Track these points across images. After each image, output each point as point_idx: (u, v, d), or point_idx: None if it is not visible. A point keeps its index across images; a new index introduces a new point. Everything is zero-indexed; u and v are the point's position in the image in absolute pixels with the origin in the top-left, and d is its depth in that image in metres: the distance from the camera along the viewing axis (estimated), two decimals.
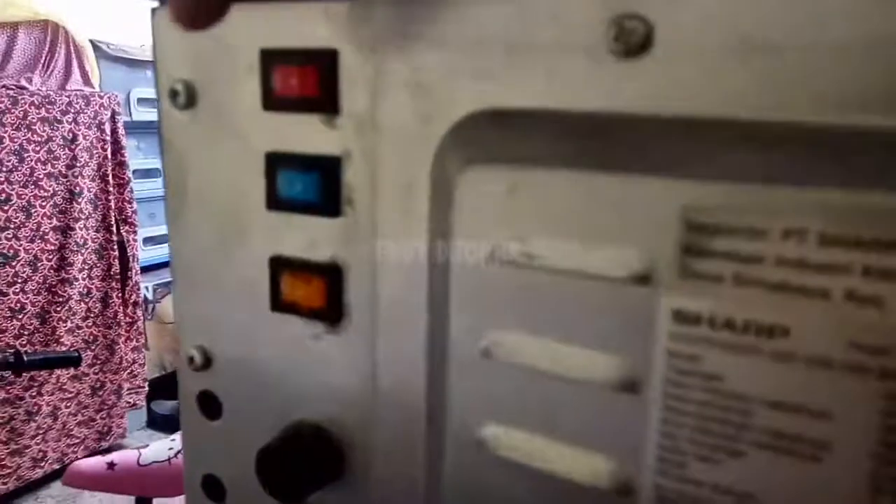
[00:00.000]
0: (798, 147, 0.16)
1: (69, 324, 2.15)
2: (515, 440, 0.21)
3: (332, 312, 0.25)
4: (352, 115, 0.23)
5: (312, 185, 0.25)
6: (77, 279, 2.16)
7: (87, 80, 2.26)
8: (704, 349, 0.17)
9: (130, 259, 2.25)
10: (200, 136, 0.27)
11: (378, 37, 0.22)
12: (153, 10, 0.27)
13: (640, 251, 0.17)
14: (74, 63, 2.24)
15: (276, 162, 0.25)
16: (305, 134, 0.24)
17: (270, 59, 0.24)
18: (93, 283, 2.15)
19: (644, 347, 0.18)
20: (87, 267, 2.21)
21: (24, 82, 2.14)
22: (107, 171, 2.13)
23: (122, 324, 2.18)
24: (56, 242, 2.12)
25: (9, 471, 1.96)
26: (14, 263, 2.01)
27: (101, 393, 2.19)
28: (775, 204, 0.16)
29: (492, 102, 0.20)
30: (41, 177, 2.12)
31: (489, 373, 0.21)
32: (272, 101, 0.25)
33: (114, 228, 2.16)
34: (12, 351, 1.32)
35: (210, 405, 0.30)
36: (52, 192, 2.12)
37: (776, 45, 0.16)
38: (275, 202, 0.26)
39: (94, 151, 2.13)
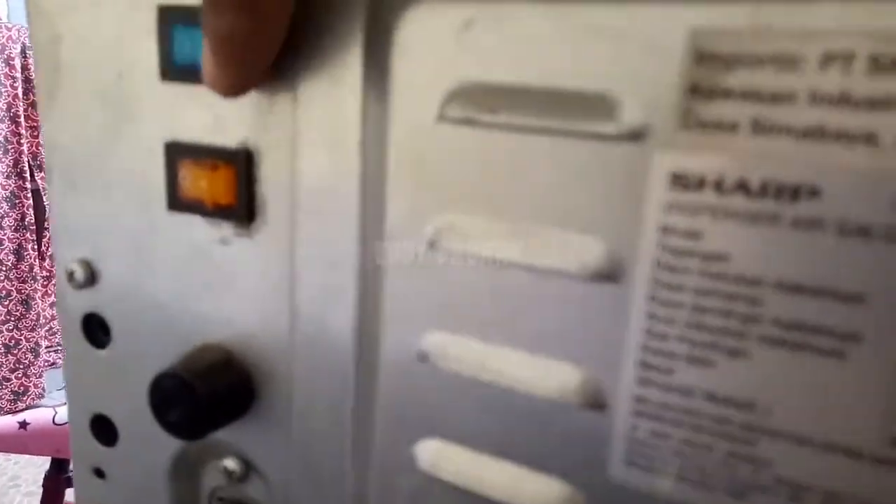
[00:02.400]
0: None
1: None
2: (464, 349, 0.17)
3: (242, 209, 0.21)
4: None
5: None
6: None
7: None
8: (708, 222, 0.13)
9: (47, 208, 2.10)
10: None
11: None
12: None
13: (635, 97, 0.14)
14: None
15: (170, 17, 0.20)
16: None
17: None
18: (4, 234, 2.00)
19: (630, 224, 0.14)
20: None
21: None
22: (18, 111, 1.96)
23: (39, 278, 2.05)
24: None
25: None
26: None
27: (16, 351, 2.06)
28: (814, 21, 0.12)
29: None
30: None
31: (434, 271, 0.17)
32: None
33: (27, 175, 2.01)
34: None
35: (96, 331, 0.25)
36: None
37: None
38: (171, 70, 0.20)
39: (2, 90, 1.96)
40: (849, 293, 0.12)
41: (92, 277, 0.24)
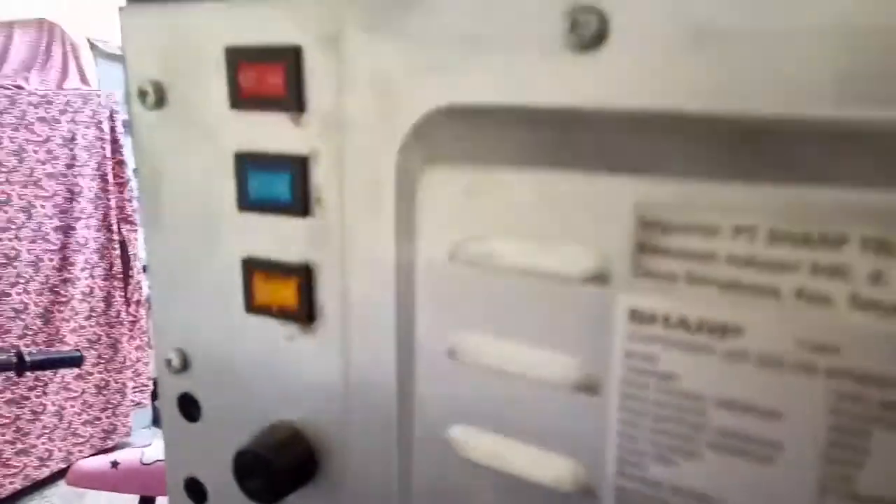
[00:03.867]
0: (747, 141, 0.15)
1: (72, 323, 2.16)
2: (480, 441, 0.21)
3: (304, 313, 0.25)
4: (318, 113, 0.23)
5: (282, 186, 0.25)
6: (79, 278, 2.17)
7: (83, 78, 2.27)
8: (660, 349, 0.17)
9: (132, 258, 2.26)
10: (170, 136, 0.27)
11: (340, 32, 0.22)
12: (121, 10, 0.27)
13: (596, 250, 0.17)
14: (71, 61, 2.25)
15: (245, 162, 0.25)
16: (274, 132, 0.24)
17: (235, 56, 0.24)
18: (95, 283, 2.15)
19: (602, 347, 0.18)
20: (89, 266, 2.22)
21: (21, 82, 2.14)
22: (106, 169, 2.13)
23: (125, 322, 2.19)
24: (57, 242, 2.13)
25: (15, 470, 1.97)
26: (16, 264, 2.02)
27: (105, 392, 2.20)
28: (726, 201, 0.16)
29: (451, 98, 0.20)
30: (41, 177, 2.12)
31: (454, 373, 0.21)
32: (239, 100, 0.25)
33: (115, 227, 2.17)
34: (14, 351, 1.32)
35: (189, 407, 0.30)
36: (52, 192, 2.13)
37: (729, 33, 0.15)
38: (245, 203, 0.26)
39: (94, 150, 2.13)
40: (769, 410, 0.16)
41: (185, 364, 0.29)
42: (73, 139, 2.11)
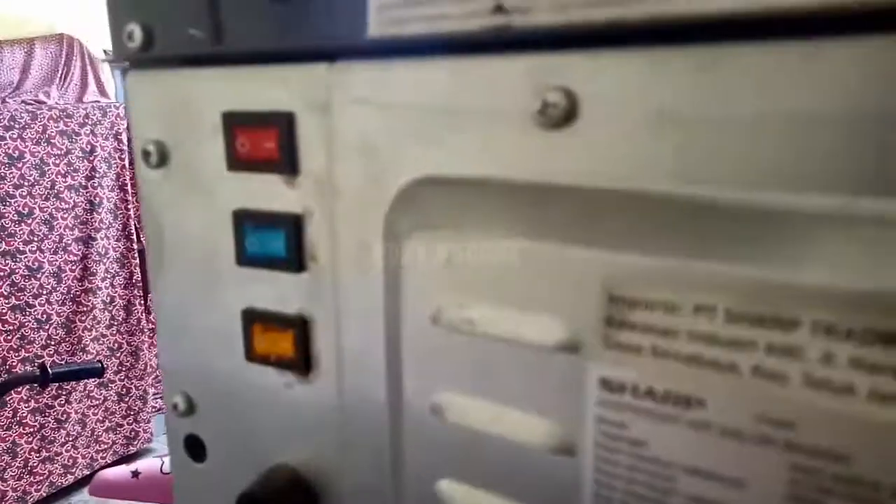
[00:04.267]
0: (706, 222, 0.16)
1: (94, 332, 2.20)
2: (465, 494, 0.22)
3: (301, 363, 0.26)
4: (310, 175, 0.24)
5: (277, 243, 0.26)
6: (100, 288, 2.21)
7: (102, 90, 2.31)
8: (630, 416, 0.18)
9: None
10: (172, 193, 0.28)
11: (329, 101, 0.23)
12: (124, 71, 0.28)
13: (569, 320, 0.18)
14: (90, 75, 2.29)
15: (242, 220, 0.26)
16: (269, 192, 0.26)
17: (231, 121, 0.25)
18: (115, 292, 2.19)
19: (577, 413, 0.19)
20: (109, 276, 2.27)
21: (42, 96, 2.18)
22: (125, 180, 2.17)
23: (146, 330, 2.23)
24: (78, 253, 2.16)
25: (41, 477, 2.02)
26: (39, 275, 2.06)
27: (126, 399, 2.24)
28: (688, 279, 0.16)
29: (432, 169, 0.21)
30: (62, 189, 2.16)
31: (439, 430, 0.22)
32: (235, 162, 0.26)
33: (134, 237, 2.20)
34: (38, 364, 1.35)
35: (196, 448, 0.31)
36: (72, 203, 2.16)
37: (690, 118, 0.16)
38: (244, 258, 0.27)
39: (112, 162, 2.17)
40: (732, 479, 0.16)
41: (191, 407, 0.30)
42: (92, 151, 2.14)
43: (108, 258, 2.17)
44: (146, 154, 0.28)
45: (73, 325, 2.11)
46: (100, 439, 2.14)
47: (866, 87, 0.14)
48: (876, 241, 0.14)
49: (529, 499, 0.20)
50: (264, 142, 0.25)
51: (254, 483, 0.27)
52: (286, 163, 0.24)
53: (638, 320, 0.17)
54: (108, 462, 2.13)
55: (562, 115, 0.18)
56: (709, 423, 0.16)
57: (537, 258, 0.19)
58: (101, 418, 2.15)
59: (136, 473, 1.20)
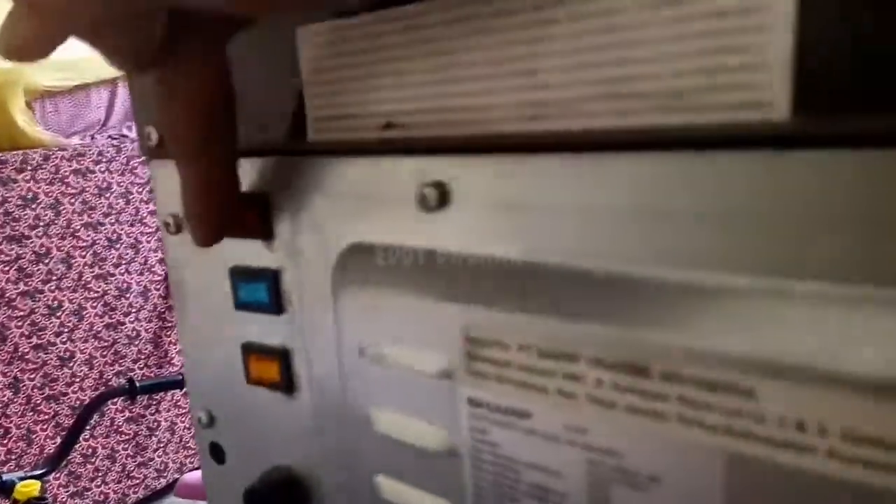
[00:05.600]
0: (523, 282, 0.22)
1: (179, 346, 2.36)
2: (393, 489, 0.28)
3: (285, 385, 0.33)
4: (282, 242, 0.32)
5: (262, 291, 0.33)
6: None
7: None
8: (488, 425, 0.24)
9: None
10: (187, 254, 0.36)
11: (292, 186, 0.30)
12: (149, 162, 0.37)
13: (445, 355, 0.24)
14: None
15: (236, 273, 0.34)
16: (255, 253, 0.33)
17: None
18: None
19: (457, 424, 0.25)
20: None
21: (125, 131, 2.38)
22: None
23: None
24: (162, 273, 2.34)
25: (137, 481, 2.20)
26: (128, 295, 2.24)
27: None
28: (513, 326, 0.22)
29: (357, 238, 0.27)
30: (145, 215, 2.33)
31: (372, 437, 0.29)
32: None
33: None
34: (127, 379, 1.50)
35: (218, 453, 0.39)
36: (154, 228, 2.34)
37: (528, 205, 0.22)
38: (238, 303, 0.34)
39: None
40: (553, 470, 0.22)
41: (211, 420, 0.38)
42: None
43: None
44: (166, 224, 0.36)
45: (160, 340, 2.29)
46: (187, 445, 2.31)
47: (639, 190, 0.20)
48: (614, 301, 0.20)
49: (435, 490, 0.27)
50: (249, 219, 0.32)
51: (256, 480, 0.35)
52: (265, 232, 0.32)
53: (486, 355, 0.23)
54: (196, 465, 2.30)
55: (436, 202, 0.24)
56: (535, 430, 0.22)
57: (421, 310, 0.25)
58: (187, 426, 2.32)
59: (203, 476, 1.32)
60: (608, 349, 0.20)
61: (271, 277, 0.32)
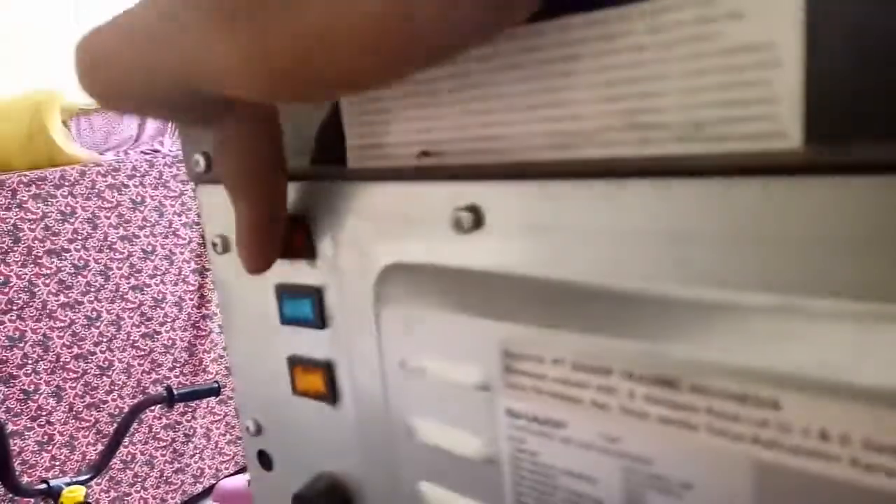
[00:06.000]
0: (559, 300, 0.24)
1: (213, 354, 2.41)
2: (436, 495, 0.30)
3: (329, 396, 0.35)
4: (325, 260, 0.33)
5: (306, 308, 0.35)
6: (216, 314, 2.43)
7: None
8: (526, 435, 0.25)
9: None
10: (234, 273, 0.38)
11: (334, 210, 0.32)
12: (196, 189, 0.39)
13: (483, 368, 0.26)
14: None
15: (282, 291, 0.36)
16: (299, 271, 0.35)
17: None
18: None
19: (495, 433, 0.26)
20: None
21: (157, 146, 2.44)
22: None
23: None
24: (195, 283, 2.38)
25: (175, 486, 2.24)
26: (163, 305, 2.29)
27: None
28: (547, 341, 0.24)
29: (396, 258, 0.29)
30: (178, 227, 2.38)
31: (414, 446, 0.30)
32: None
33: None
34: (165, 387, 1.54)
35: (265, 460, 0.41)
36: (188, 239, 2.38)
37: (554, 226, 0.24)
38: (284, 319, 0.36)
39: None
40: (587, 476, 0.24)
41: (259, 429, 0.40)
42: None
43: None
44: (214, 245, 0.38)
45: (194, 349, 2.34)
46: (223, 451, 2.35)
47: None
48: (643, 318, 0.21)
49: (476, 496, 0.28)
50: (295, 239, 0.34)
51: (303, 487, 0.37)
52: (308, 251, 0.33)
53: (522, 368, 0.25)
54: (231, 472, 2.34)
55: (471, 225, 0.26)
56: (571, 439, 0.24)
57: (459, 325, 0.26)
58: (223, 432, 2.36)
59: (250, 483, 1.35)
60: (639, 363, 0.22)
61: (315, 294, 0.34)
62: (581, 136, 0.23)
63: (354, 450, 0.35)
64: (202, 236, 2.35)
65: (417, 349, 0.28)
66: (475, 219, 0.26)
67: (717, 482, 0.21)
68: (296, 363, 0.36)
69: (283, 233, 0.31)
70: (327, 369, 0.35)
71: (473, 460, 0.27)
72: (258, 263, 0.30)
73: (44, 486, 1.25)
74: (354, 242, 0.31)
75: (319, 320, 0.35)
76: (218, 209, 0.38)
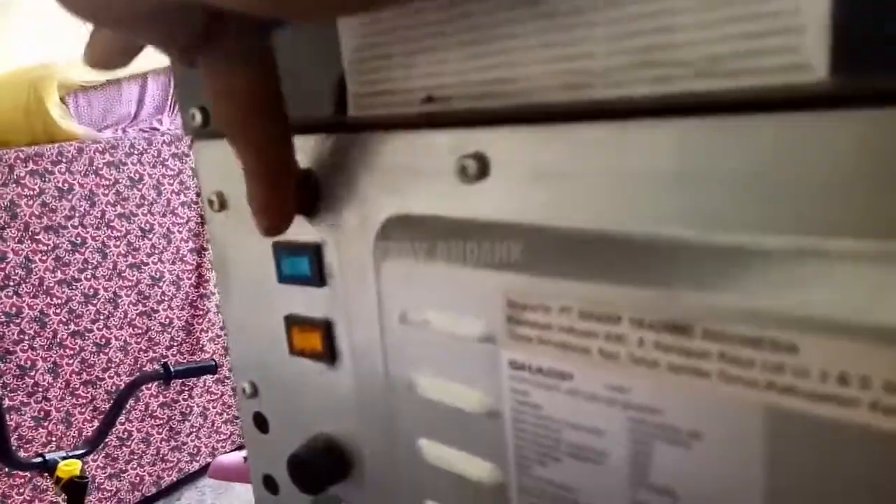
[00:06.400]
0: (566, 248, 0.23)
1: (210, 333, 2.40)
2: (435, 451, 0.29)
3: (327, 355, 0.34)
4: (325, 217, 0.32)
5: (304, 265, 0.34)
6: (214, 293, 2.42)
7: None
8: (530, 387, 0.24)
9: None
10: (231, 231, 0.37)
11: (334, 162, 0.31)
12: (193, 143, 0.38)
13: (486, 320, 0.25)
14: None
15: (279, 249, 0.35)
16: (297, 228, 0.34)
17: None
18: None
19: (498, 386, 0.26)
20: None
21: (155, 124, 2.42)
22: None
23: None
24: (193, 262, 2.37)
25: (171, 464, 2.25)
26: (161, 284, 2.28)
27: None
28: (553, 290, 0.23)
29: (397, 210, 0.28)
30: (176, 206, 2.36)
31: (414, 401, 0.29)
32: None
33: None
34: (162, 364, 1.53)
35: (261, 423, 0.40)
36: (186, 218, 2.37)
37: (558, 173, 0.23)
38: (282, 277, 0.35)
39: None
40: (594, 429, 0.23)
41: (255, 391, 0.39)
42: None
43: None
44: (210, 202, 0.37)
45: (191, 328, 2.33)
46: (219, 430, 2.35)
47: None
48: (655, 263, 0.21)
49: (476, 451, 0.27)
50: (300, 194, 0.33)
51: (299, 447, 0.36)
52: (309, 207, 0.33)
53: (527, 318, 0.24)
54: (227, 450, 2.34)
55: (476, 173, 0.25)
56: (577, 391, 0.23)
57: (462, 276, 0.26)
58: (219, 411, 2.36)
59: (247, 459, 1.35)
60: (650, 310, 0.21)
61: (314, 251, 0.33)
62: (593, 74, 0.22)
63: (352, 410, 0.34)
64: (201, 216, 2.34)
65: (419, 302, 0.28)
66: (480, 167, 0.25)
67: (728, 430, 0.20)
68: (293, 322, 0.36)
69: (294, 186, 0.29)
70: (325, 328, 0.34)
71: (474, 414, 0.27)
72: (273, 219, 0.29)
73: (40, 459, 1.25)
74: (355, 195, 0.30)
75: (318, 278, 0.34)
76: (215, 165, 0.37)
